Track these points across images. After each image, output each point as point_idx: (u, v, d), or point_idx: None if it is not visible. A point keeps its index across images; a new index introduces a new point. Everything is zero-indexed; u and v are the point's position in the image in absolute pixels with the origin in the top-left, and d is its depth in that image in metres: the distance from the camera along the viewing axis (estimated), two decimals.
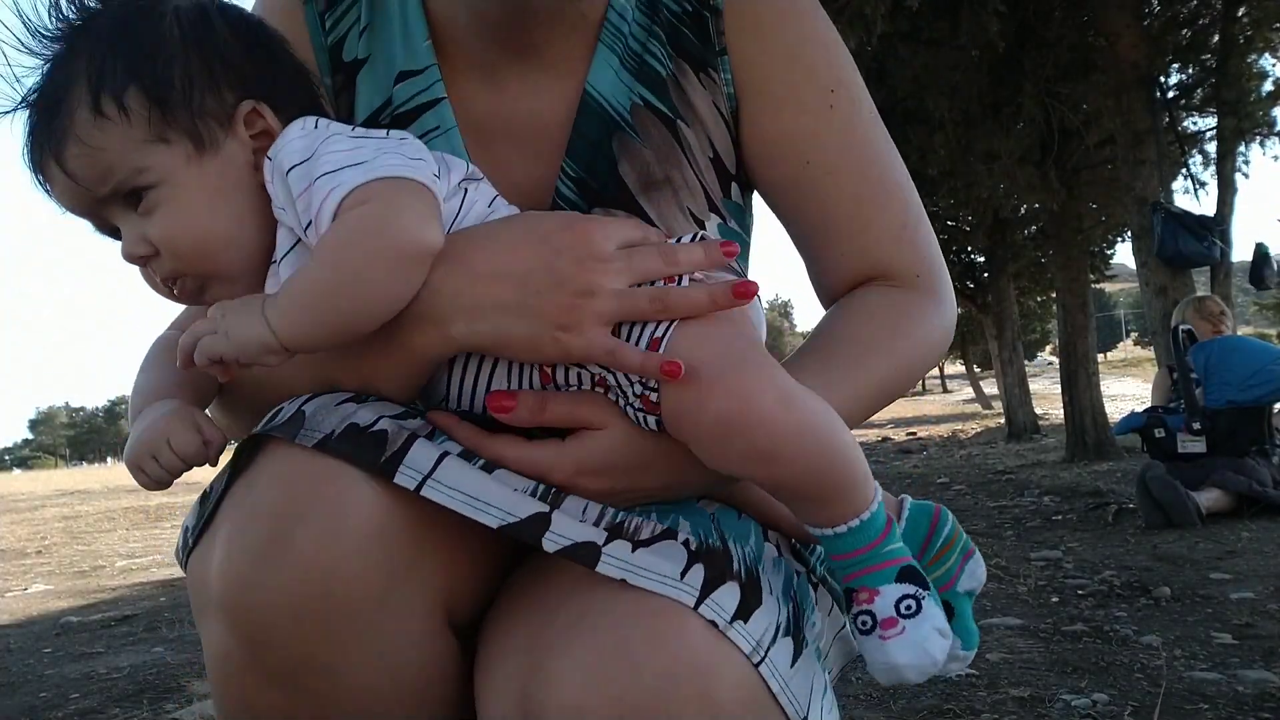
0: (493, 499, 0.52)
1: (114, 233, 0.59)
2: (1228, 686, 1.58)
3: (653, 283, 0.58)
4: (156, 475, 0.56)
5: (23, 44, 0.57)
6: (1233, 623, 2.01)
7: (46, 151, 0.56)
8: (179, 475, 0.57)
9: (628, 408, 0.56)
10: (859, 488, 0.55)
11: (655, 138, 0.69)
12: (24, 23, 0.57)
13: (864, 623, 0.56)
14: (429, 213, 0.54)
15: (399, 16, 0.70)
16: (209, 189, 0.57)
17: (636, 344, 0.54)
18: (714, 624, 0.51)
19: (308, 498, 0.50)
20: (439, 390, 0.59)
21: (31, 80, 0.58)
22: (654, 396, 0.54)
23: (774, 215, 0.76)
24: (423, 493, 0.51)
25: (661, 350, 0.53)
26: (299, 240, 0.57)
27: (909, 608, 0.55)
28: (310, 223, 0.54)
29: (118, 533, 6.96)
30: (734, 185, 0.74)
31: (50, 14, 0.58)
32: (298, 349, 0.53)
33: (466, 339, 0.55)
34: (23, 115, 0.58)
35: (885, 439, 11.48)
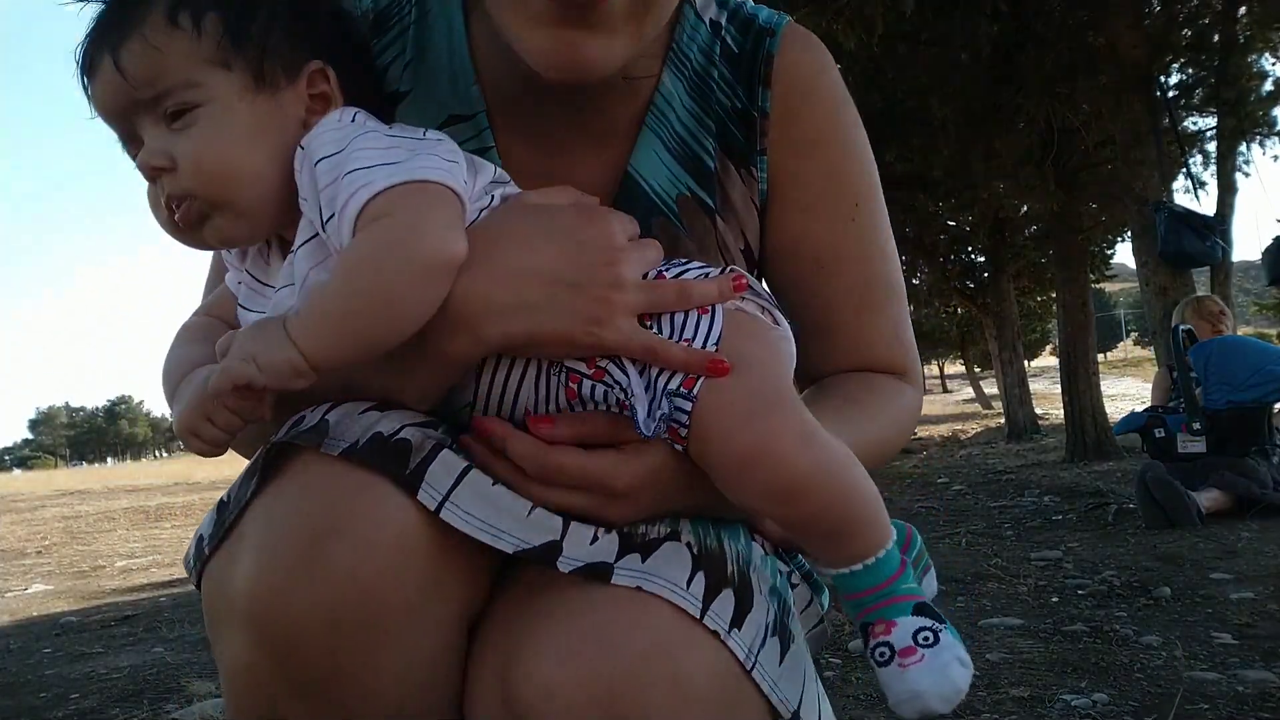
0: (506, 525, 0.53)
1: (134, 146, 0.59)
2: (1228, 686, 1.58)
3: (655, 274, 0.59)
4: (213, 437, 0.55)
5: None
6: (1233, 623, 2.01)
7: (105, 43, 0.56)
8: (234, 435, 0.55)
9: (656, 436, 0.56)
10: (874, 527, 0.56)
11: (698, 230, 0.70)
12: None
13: (882, 654, 0.55)
14: (453, 221, 0.54)
15: (446, 56, 0.70)
16: (253, 124, 0.57)
17: (668, 382, 0.55)
18: (716, 634, 0.52)
19: (344, 510, 0.50)
20: (465, 395, 0.59)
21: None
22: (683, 431, 0.54)
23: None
24: (441, 515, 0.51)
25: (696, 390, 0.54)
26: (317, 233, 0.56)
27: (927, 639, 0.55)
28: (333, 215, 0.53)
29: (118, 533, 6.96)
30: (756, 272, 0.76)
31: None
32: (325, 368, 0.52)
33: (499, 341, 0.55)
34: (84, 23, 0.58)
35: None
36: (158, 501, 10.10)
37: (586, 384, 0.57)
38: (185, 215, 0.58)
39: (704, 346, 0.56)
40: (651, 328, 0.57)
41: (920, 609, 0.56)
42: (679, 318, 0.57)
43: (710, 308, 0.58)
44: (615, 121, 0.70)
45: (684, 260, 0.63)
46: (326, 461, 0.51)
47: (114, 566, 4.80)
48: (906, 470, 6.71)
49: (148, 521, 7.88)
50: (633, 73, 0.67)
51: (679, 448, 0.56)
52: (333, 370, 0.53)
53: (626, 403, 0.56)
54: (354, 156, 0.54)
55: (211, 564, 0.53)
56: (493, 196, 0.60)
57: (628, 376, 0.56)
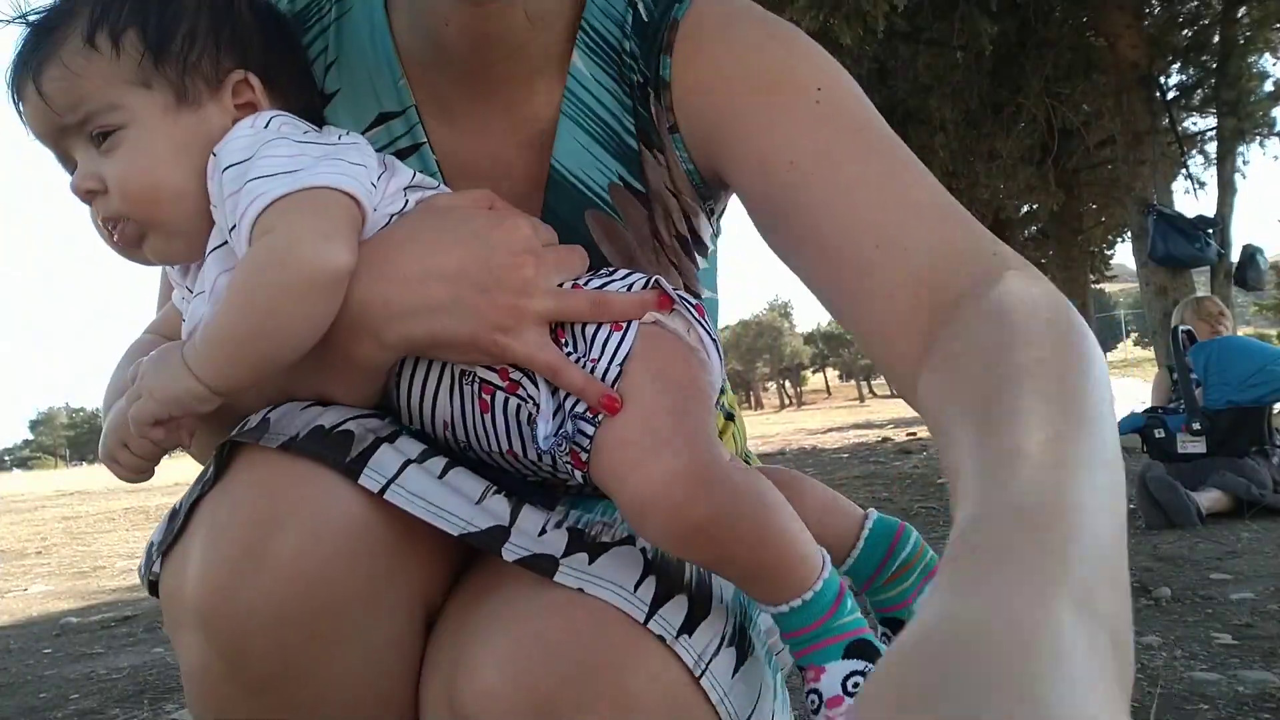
0: (453, 508, 0.52)
1: (71, 166, 0.59)
2: (1228, 687, 1.57)
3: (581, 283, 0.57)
4: (131, 464, 0.55)
5: None
6: (1233, 623, 2.01)
7: (28, 69, 0.57)
8: (156, 461, 0.56)
9: (556, 455, 0.55)
10: (798, 566, 0.54)
11: (635, 219, 0.66)
12: None
13: (812, 702, 0.54)
14: (335, 230, 0.53)
15: (371, 53, 0.67)
16: (176, 142, 0.57)
17: (575, 404, 0.54)
18: (662, 639, 0.51)
19: (287, 502, 0.50)
20: (390, 401, 0.59)
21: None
22: (584, 456, 0.54)
23: (795, 274, 0.59)
24: (386, 496, 0.51)
25: (601, 415, 0.53)
26: (226, 240, 0.57)
27: (857, 685, 0.53)
28: (234, 226, 0.54)
29: (118, 533, 6.96)
30: (696, 255, 0.70)
31: None
32: (227, 392, 0.52)
33: (401, 344, 0.54)
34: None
35: (885, 439, 11.47)
36: (158, 501, 10.09)
37: (500, 396, 0.56)
38: (122, 236, 0.58)
39: (610, 365, 0.54)
40: (563, 338, 0.56)
41: (855, 649, 0.54)
42: (589, 330, 0.56)
43: (624, 323, 0.56)
44: (535, 106, 0.66)
45: (611, 269, 0.61)
46: (270, 457, 0.51)
47: (114, 567, 4.80)
48: (907, 470, 6.70)
49: (148, 521, 7.88)
50: (537, 17, 0.61)
51: (579, 473, 0.55)
52: (237, 391, 0.53)
53: (533, 415, 0.55)
54: (258, 164, 0.54)
55: (166, 568, 0.53)
56: (407, 200, 0.59)
57: (539, 390, 0.55)
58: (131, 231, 0.58)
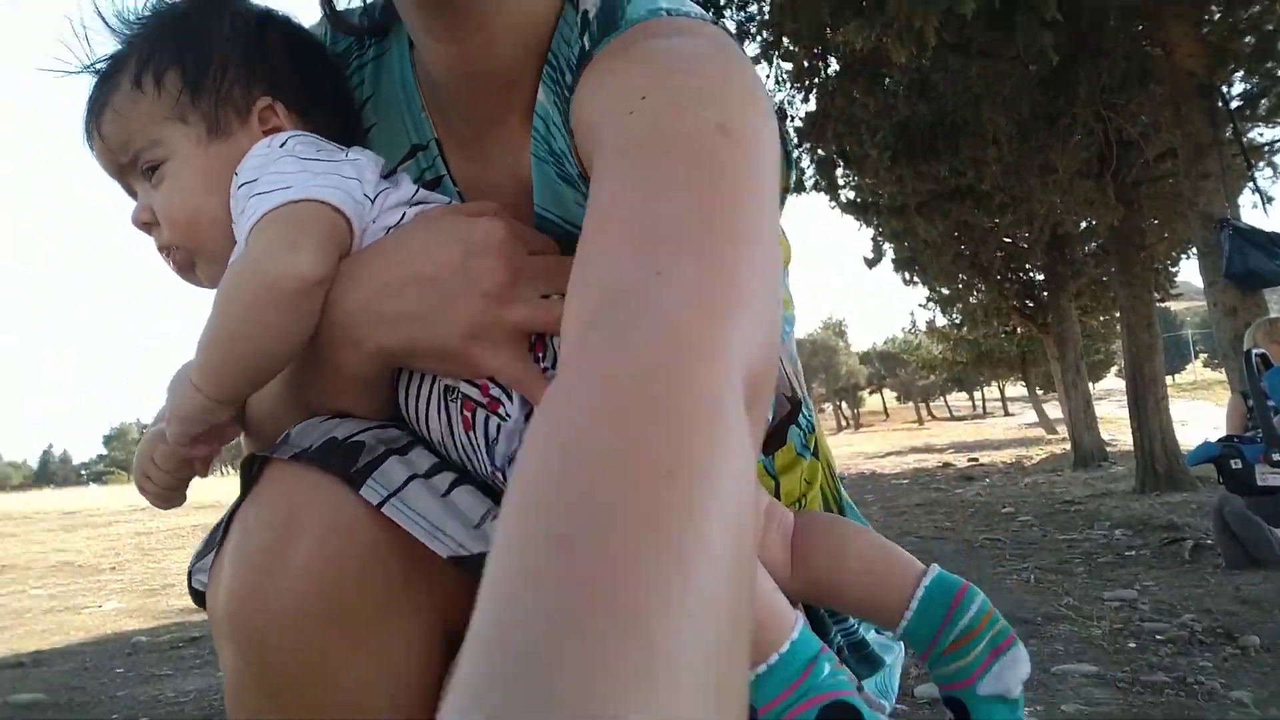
0: (449, 529, 0.53)
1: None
2: None
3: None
4: (157, 492, 0.59)
5: (112, 27, 0.63)
6: None
7: (91, 115, 0.62)
8: (181, 487, 0.59)
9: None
10: (763, 623, 0.51)
11: None
12: (118, 13, 0.63)
13: None
14: (310, 242, 0.54)
15: (400, 89, 0.69)
16: (210, 171, 0.61)
17: None
18: None
19: (301, 509, 0.52)
20: (398, 409, 0.59)
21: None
22: None
23: None
24: (384, 510, 0.52)
25: None
26: None
27: None
28: (241, 241, 0.57)
29: (186, 550, 7.20)
30: None
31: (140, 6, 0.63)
32: (228, 401, 0.55)
33: (380, 354, 0.55)
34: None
35: (946, 465, 11.14)
36: None
37: (480, 414, 0.55)
38: (176, 263, 0.63)
39: None
40: (541, 352, 0.55)
41: (830, 711, 0.49)
42: None
43: None
44: (521, 146, 0.63)
45: None
46: (286, 467, 0.53)
47: (182, 585, 4.95)
48: (969, 498, 6.49)
49: None
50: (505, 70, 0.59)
51: None
52: (239, 400, 0.56)
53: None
54: (263, 181, 0.57)
55: (210, 580, 0.55)
56: (404, 214, 0.60)
57: (514, 406, 0.53)
58: (182, 258, 0.62)
